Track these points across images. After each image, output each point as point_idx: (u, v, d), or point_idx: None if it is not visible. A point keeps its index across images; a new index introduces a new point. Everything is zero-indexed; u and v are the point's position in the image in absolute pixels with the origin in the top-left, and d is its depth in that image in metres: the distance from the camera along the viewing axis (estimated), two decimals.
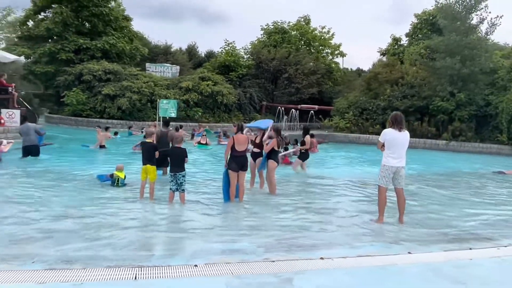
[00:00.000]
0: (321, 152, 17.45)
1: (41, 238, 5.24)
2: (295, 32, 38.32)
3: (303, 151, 11.48)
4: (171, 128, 11.24)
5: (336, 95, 32.37)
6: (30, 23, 29.39)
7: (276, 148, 8.40)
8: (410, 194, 9.40)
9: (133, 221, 6.21)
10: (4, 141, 12.92)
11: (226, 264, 4.43)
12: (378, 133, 23.79)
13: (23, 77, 27.91)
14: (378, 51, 38.95)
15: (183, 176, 7.38)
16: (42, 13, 29.61)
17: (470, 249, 5.53)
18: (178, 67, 31.64)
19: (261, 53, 33.69)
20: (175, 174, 7.30)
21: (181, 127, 21.37)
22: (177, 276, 4.06)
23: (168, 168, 7.99)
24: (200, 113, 26.62)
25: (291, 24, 38.13)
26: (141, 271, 4.13)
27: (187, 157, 7.47)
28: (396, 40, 36.99)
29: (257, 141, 9.12)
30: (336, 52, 41.20)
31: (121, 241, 5.23)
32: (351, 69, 44.25)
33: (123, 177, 8.65)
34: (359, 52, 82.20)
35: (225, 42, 34.65)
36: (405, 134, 6.69)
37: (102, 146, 15.06)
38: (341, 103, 26.90)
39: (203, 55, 42.57)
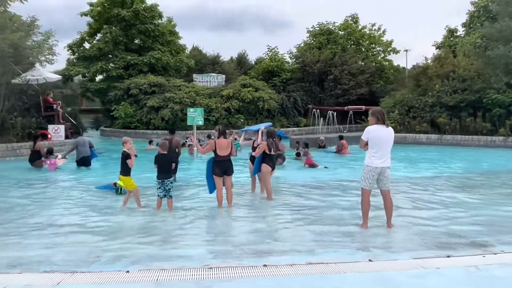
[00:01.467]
0: (354, 153, 16.70)
1: (7, 243, 5.56)
2: (342, 32, 37.36)
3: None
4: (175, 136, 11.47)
5: (387, 94, 30.90)
6: (87, 45, 31.79)
7: (268, 152, 8.17)
8: (422, 197, 8.70)
9: (107, 227, 6.35)
10: (60, 155, 14.05)
11: (160, 271, 4.36)
12: (426, 132, 22.44)
13: (81, 94, 30.31)
14: (433, 45, 36.70)
15: (171, 182, 7.45)
16: (98, 34, 31.91)
17: (448, 256, 4.92)
18: (223, 76, 32.23)
19: (305, 56, 33.27)
20: (163, 181, 7.37)
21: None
22: (101, 282, 4.06)
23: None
24: (242, 120, 26.84)
25: (336, 24, 37.22)
26: (70, 276, 4.20)
27: (174, 163, 7.52)
28: (451, 32, 34.55)
29: (255, 145, 8.96)
30: (389, 49, 39.54)
31: (80, 247, 5.36)
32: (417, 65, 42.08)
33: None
34: (427, 48, 78.08)
35: (268, 48, 34.76)
36: (390, 130, 6.18)
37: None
38: (387, 102, 25.62)
39: (252, 63, 43.12)
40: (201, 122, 16.19)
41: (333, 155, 15.95)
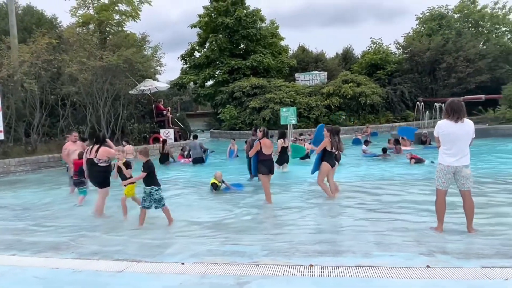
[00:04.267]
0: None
1: (96, 235, 6.47)
2: (457, 15, 33.88)
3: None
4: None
5: None
6: (197, 54, 34.45)
7: (329, 149, 8.01)
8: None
9: (187, 223, 6.92)
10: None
11: (210, 265, 4.66)
12: None
13: (193, 99, 32.98)
14: None
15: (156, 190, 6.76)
16: (207, 43, 34.33)
17: None
18: (325, 73, 31.86)
19: (413, 44, 31.01)
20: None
21: (301, 134, 21.70)
22: (157, 271, 4.50)
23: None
24: (344, 117, 26.28)
25: (450, 7, 33.93)
26: (135, 265, 4.75)
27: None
28: None
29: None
30: None
31: (158, 240, 5.96)
32: None
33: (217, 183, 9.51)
34: None
35: (372, 41, 33.24)
36: (464, 125, 5.54)
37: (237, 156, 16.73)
38: (511, 89, 22.51)
39: (358, 57, 41.71)
40: (294, 121, 16.36)
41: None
